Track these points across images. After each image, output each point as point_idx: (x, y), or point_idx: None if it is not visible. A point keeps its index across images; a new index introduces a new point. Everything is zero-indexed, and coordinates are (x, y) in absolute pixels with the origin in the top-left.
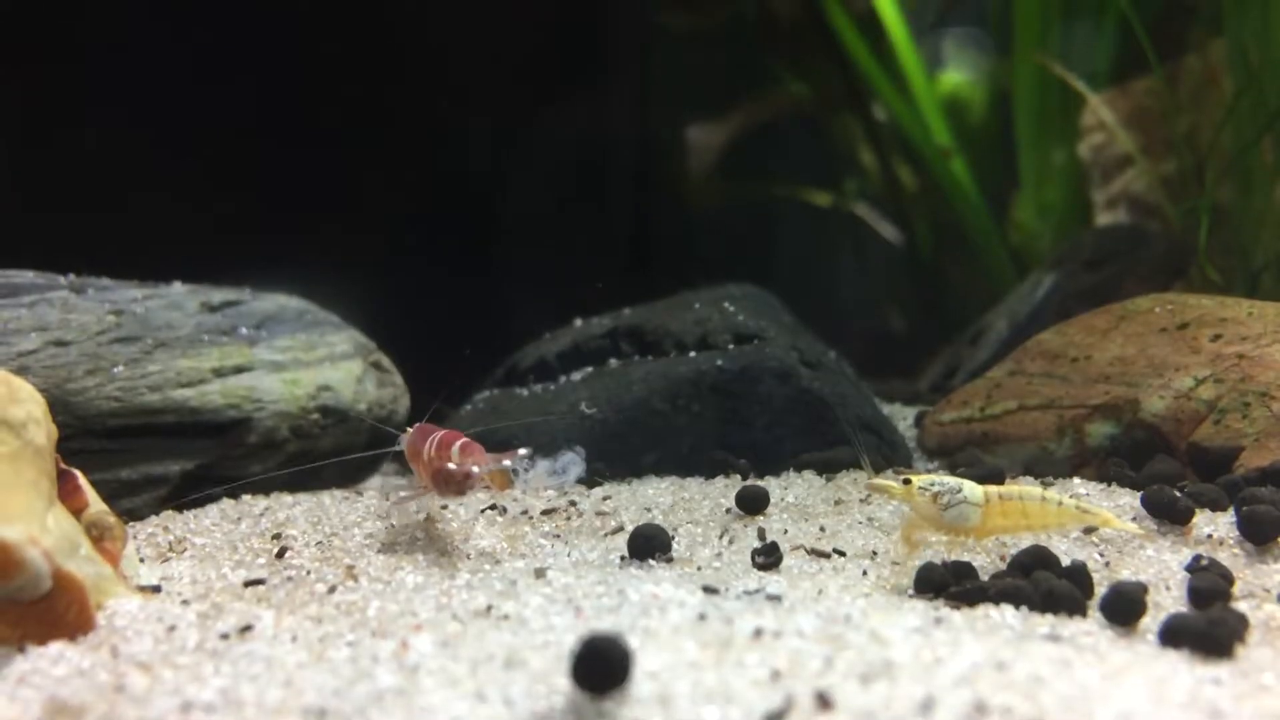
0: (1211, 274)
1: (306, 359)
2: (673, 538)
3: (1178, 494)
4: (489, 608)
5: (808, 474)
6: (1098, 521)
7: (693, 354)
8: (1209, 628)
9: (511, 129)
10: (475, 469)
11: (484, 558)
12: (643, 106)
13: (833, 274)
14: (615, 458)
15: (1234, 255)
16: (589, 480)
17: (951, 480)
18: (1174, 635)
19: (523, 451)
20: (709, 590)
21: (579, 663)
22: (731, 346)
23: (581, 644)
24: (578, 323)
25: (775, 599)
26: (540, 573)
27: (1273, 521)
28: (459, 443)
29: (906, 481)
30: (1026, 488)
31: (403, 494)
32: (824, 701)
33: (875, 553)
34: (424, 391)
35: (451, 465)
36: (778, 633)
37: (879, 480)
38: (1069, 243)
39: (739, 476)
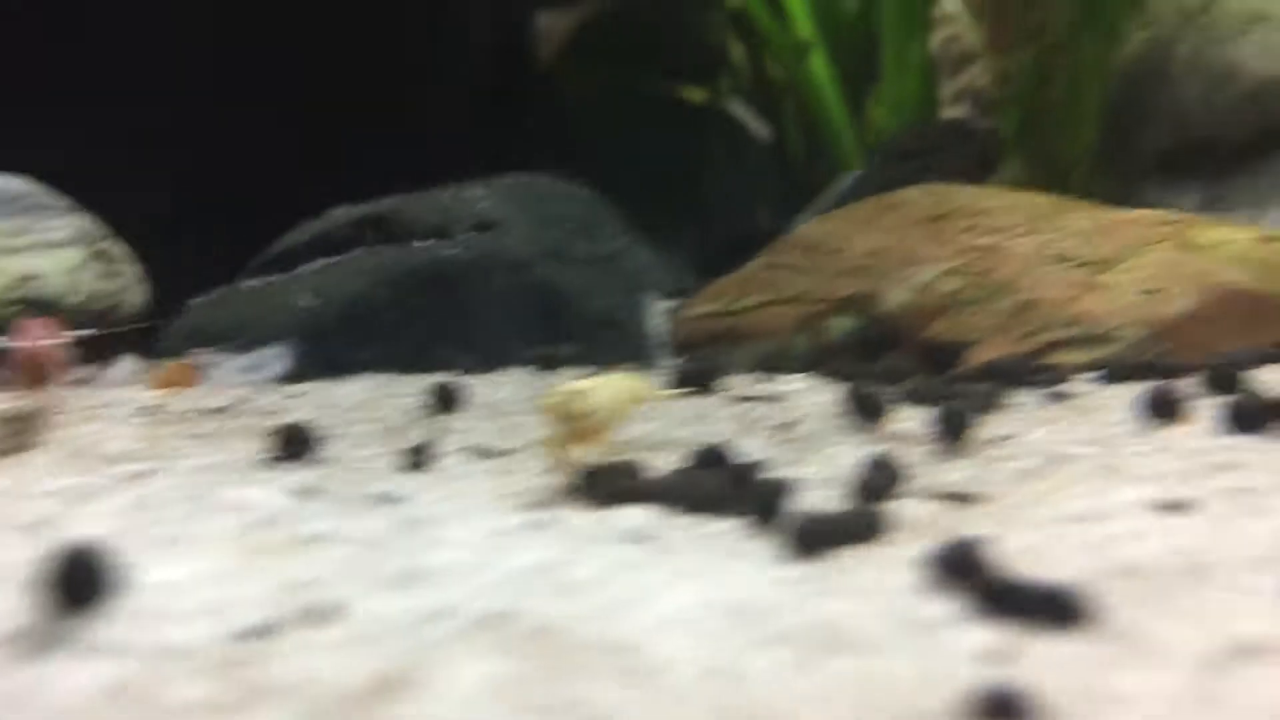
0: (1016, 169)
1: (14, 245)
2: (332, 437)
3: (875, 389)
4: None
5: (525, 370)
6: (651, 394)
7: (425, 243)
8: (808, 524)
9: None
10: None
11: (104, 460)
12: None
13: (707, 171)
14: (332, 353)
15: (1050, 151)
16: (294, 376)
17: (589, 383)
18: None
19: (67, 333)
20: (306, 492)
21: (50, 575)
22: (467, 235)
23: (57, 555)
24: (337, 211)
25: (393, 500)
26: (137, 476)
27: (963, 417)
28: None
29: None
30: (612, 375)
31: None
32: (329, 612)
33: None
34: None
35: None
36: (323, 537)
37: (550, 398)
38: (889, 138)
39: (462, 373)
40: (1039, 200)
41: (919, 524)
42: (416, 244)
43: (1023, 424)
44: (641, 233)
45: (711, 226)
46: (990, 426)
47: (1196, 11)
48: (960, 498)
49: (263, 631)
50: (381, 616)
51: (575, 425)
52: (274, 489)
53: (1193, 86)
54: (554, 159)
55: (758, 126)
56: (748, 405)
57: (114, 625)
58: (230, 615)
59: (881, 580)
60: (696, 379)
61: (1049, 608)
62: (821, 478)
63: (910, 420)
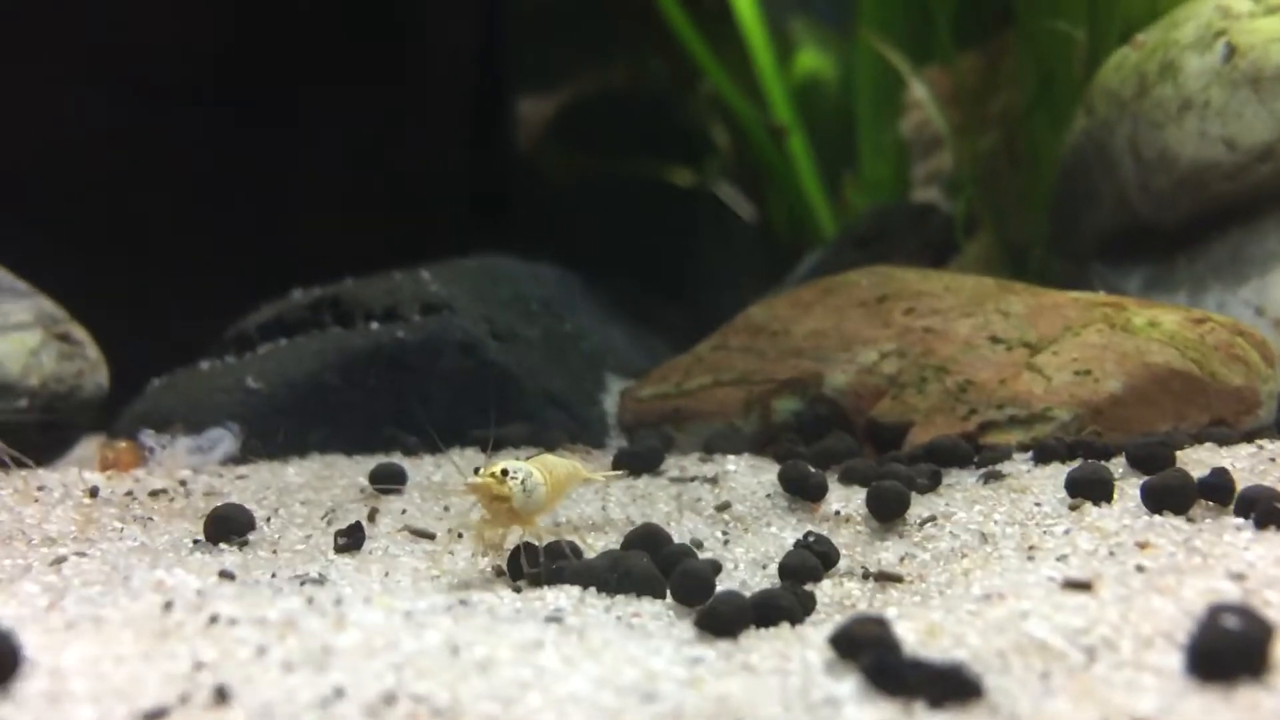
0: (978, 250)
1: None
2: (270, 518)
3: (811, 470)
4: None
5: (471, 451)
6: (592, 477)
7: (375, 325)
8: (717, 606)
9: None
10: None
11: (35, 542)
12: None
13: (695, 251)
14: (280, 434)
15: (1009, 232)
16: (241, 458)
17: (520, 464)
18: (700, 616)
19: None
20: (231, 574)
21: None
22: (417, 317)
23: None
24: (296, 293)
25: (319, 582)
26: (60, 560)
27: (896, 498)
28: None
29: (504, 473)
30: (546, 456)
31: None
32: (222, 695)
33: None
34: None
35: None
36: (234, 620)
37: (476, 479)
38: (850, 220)
39: (409, 454)
40: (978, 282)
41: (843, 603)
42: (372, 325)
43: (956, 503)
44: (624, 311)
45: (699, 305)
46: (925, 506)
47: (1131, 99)
48: (887, 577)
49: (161, 714)
50: (277, 699)
51: (500, 506)
52: (198, 571)
53: (1132, 171)
54: (537, 241)
55: (743, 207)
56: (688, 486)
57: (21, 708)
58: (134, 697)
59: (788, 660)
60: (638, 460)
61: (941, 686)
62: (752, 558)
63: (846, 501)
